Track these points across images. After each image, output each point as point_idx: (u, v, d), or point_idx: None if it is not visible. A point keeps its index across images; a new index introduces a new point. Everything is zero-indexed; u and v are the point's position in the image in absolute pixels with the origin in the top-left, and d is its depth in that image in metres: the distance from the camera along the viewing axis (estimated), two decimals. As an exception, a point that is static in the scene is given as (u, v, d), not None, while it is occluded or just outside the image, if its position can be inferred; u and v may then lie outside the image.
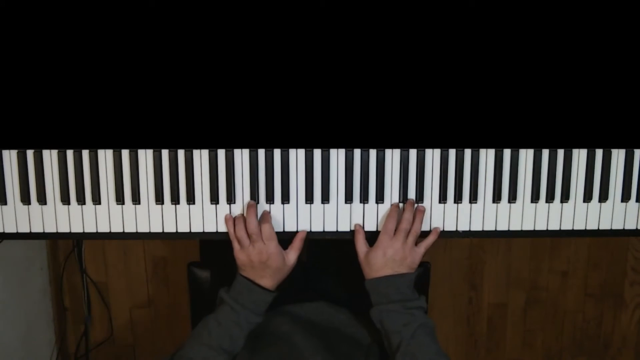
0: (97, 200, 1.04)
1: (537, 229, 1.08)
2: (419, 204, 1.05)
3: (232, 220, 1.04)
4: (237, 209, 1.05)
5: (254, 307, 0.99)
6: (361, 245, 1.04)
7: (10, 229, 1.05)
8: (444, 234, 1.08)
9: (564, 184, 1.07)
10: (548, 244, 1.97)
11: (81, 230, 1.06)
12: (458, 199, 1.06)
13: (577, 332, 2.04)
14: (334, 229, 1.06)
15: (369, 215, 1.06)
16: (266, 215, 1.04)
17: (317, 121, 1.02)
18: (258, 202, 1.05)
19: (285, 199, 1.05)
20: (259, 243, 1.00)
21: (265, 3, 0.98)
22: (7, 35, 0.98)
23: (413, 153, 1.05)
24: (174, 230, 1.06)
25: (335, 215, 1.06)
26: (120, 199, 1.04)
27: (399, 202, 1.06)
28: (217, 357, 0.95)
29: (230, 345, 0.97)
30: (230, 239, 1.04)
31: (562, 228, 1.08)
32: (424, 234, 1.07)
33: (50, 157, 1.03)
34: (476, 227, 1.07)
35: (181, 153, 1.04)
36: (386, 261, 1.00)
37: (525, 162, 1.06)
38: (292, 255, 1.04)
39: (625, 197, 1.08)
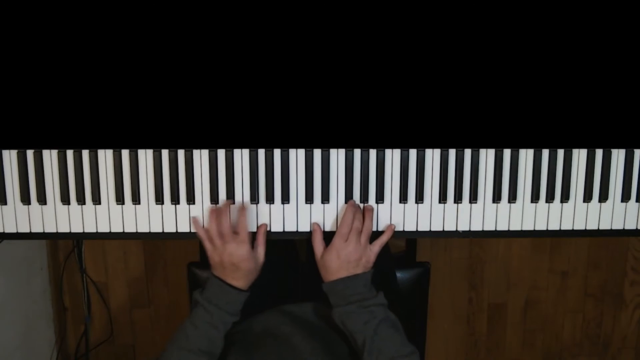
0: (97, 200, 1.04)
1: (537, 229, 1.08)
2: (367, 204, 1.05)
3: (198, 221, 1.04)
4: (237, 209, 1.05)
5: (228, 307, 0.99)
6: (318, 245, 1.03)
7: (10, 229, 1.05)
8: (444, 234, 1.08)
9: (564, 184, 1.07)
10: (548, 244, 1.97)
11: (81, 230, 1.06)
12: (458, 199, 1.06)
13: (577, 332, 2.04)
14: (334, 229, 1.06)
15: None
16: (242, 217, 1.03)
17: (317, 121, 1.02)
18: (258, 202, 1.05)
19: (285, 199, 1.05)
20: (231, 244, 1.00)
21: (265, 3, 0.98)
22: (7, 35, 0.98)
23: (413, 153, 1.04)
24: (174, 230, 1.06)
25: (335, 215, 1.06)
26: (120, 199, 1.04)
27: (399, 202, 1.06)
28: (197, 359, 0.95)
29: (209, 347, 0.97)
30: (202, 239, 1.03)
31: (562, 228, 1.08)
32: (424, 234, 1.07)
33: (50, 157, 1.03)
34: (476, 227, 1.07)
35: (181, 153, 1.04)
36: (341, 263, 0.99)
37: (525, 162, 1.06)
38: (260, 252, 1.03)
39: (625, 197, 1.08)
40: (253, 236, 1.04)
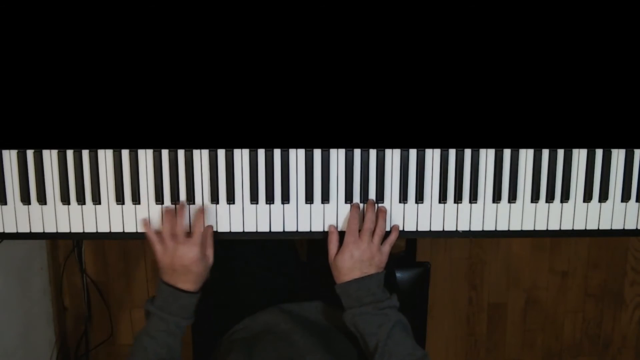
0: (97, 200, 1.04)
1: (537, 229, 1.08)
2: (380, 205, 1.05)
3: (148, 222, 1.03)
4: (237, 209, 1.05)
5: (181, 311, 0.99)
6: (333, 247, 1.03)
7: (10, 229, 1.05)
8: (444, 234, 1.08)
9: (564, 184, 1.07)
10: (548, 244, 1.97)
11: (81, 230, 1.06)
12: (458, 199, 1.06)
13: (577, 332, 2.04)
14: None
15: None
16: (199, 220, 1.02)
17: (317, 121, 1.02)
18: (258, 203, 1.05)
19: (285, 199, 1.05)
20: (183, 246, 0.99)
21: (265, 3, 0.98)
22: (7, 35, 0.98)
23: (413, 153, 1.04)
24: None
25: (335, 215, 1.06)
26: (120, 199, 1.04)
27: (399, 202, 1.06)
28: None
29: (168, 354, 0.98)
30: (151, 241, 1.01)
31: (562, 228, 1.08)
32: (423, 234, 1.07)
33: (50, 157, 1.03)
34: (476, 227, 1.07)
35: (181, 153, 1.04)
36: (354, 263, 0.99)
37: (525, 162, 1.06)
38: (210, 253, 1.03)
39: (625, 197, 1.08)
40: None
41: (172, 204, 1.05)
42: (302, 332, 1.02)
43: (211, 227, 1.04)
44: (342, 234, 1.03)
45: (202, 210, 1.03)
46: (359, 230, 1.02)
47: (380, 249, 1.01)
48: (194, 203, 1.05)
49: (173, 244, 0.99)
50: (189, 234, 1.02)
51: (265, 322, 1.07)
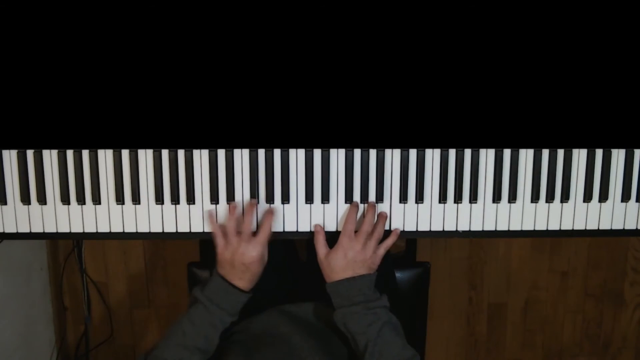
0: (97, 200, 1.04)
1: (537, 229, 1.08)
2: (381, 211, 1.05)
3: (213, 215, 1.04)
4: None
5: (229, 307, 0.99)
6: (321, 246, 1.02)
7: (10, 229, 1.05)
8: (444, 234, 1.08)
9: (564, 184, 1.07)
10: (548, 244, 1.97)
11: (81, 230, 1.06)
12: (458, 199, 1.06)
13: (577, 332, 2.04)
14: (334, 229, 1.06)
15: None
16: (268, 220, 1.02)
17: (317, 121, 1.02)
18: (258, 203, 1.05)
19: (285, 199, 1.05)
20: (247, 244, 0.99)
21: (265, 3, 0.98)
22: (7, 35, 0.98)
23: (413, 153, 1.05)
24: (174, 230, 1.06)
25: (335, 215, 1.06)
26: (120, 199, 1.04)
27: (399, 202, 1.06)
28: (192, 357, 0.95)
29: (205, 345, 0.97)
30: (215, 235, 1.02)
31: (562, 228, 1.08)
32: (423, 234, 1.07)
33: (50, 157, 1.03)
34: (476, 227, 1.07)
35: (181, 153, 1.04)
36: (347, 263, 0.99)
37: (525, 162, 1.06)
38: (266, 255, 1.02)
39: (625, 197, 1.08)
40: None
41: (172, 204, 1.05)
42: (301, 334, 1.02)
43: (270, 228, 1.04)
44: (334, 234, 1.04)
45: (271, 212, 1.03)
46: (355, 232, 1.02)
47: (375, 251, 1.01)
48: (194, 203, 1.05)
49: (237, 240, 1.00)
50: (254, 233, 1.02)
51: (264, 324, 1.07)
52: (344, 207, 1.06)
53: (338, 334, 1.05)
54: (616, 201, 1.08)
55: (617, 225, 1.09)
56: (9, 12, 0.97)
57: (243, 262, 0.99)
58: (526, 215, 1.07)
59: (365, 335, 0.94)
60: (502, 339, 2.03)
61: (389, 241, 1.04)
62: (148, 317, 1.95)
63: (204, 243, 1.36)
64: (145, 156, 1.04)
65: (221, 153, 1.04)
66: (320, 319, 1.10)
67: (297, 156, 1.04)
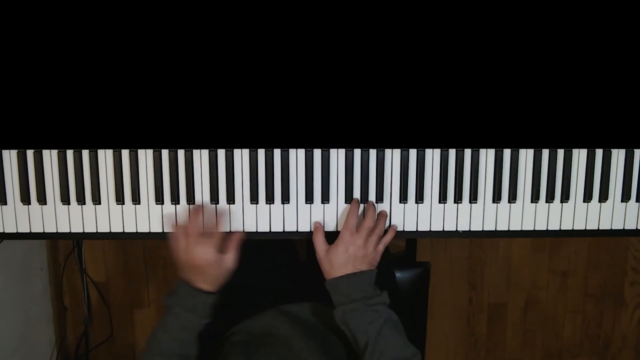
0: (97, 200, 1.04)
1: (537, 229, 1.08)
2: (381, 210, 1.05)
3: (171, 220, 1.04)
4: (237, 208, 1.05)
5: (197, 310, 0.99)
6: (320, 243, 1.02)
7: (10, 229, 1.05)
8: (444, 234, 1.08)
9: (564, 184, 1.07)
10: (548, 244, 1.97)
11: (81, 230, 1.06)
12: (458, 199, 1.06)
13: (577, 332, 2.04)
14: (334, 229, 1.06)
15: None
16: (220, 222, 1.02)
17: (317, 121, 1.02)
18: (258, 203, 1.05)
19: (285, 199, 1.05)
20: (196, 247, 0.97)
21: (265, 3, 0.98)
22: (7, 35, 0.98)
23: (413, 153, 1.05)
24: (174, 231, 1.06)
25: (335, 215, 1.06)
26: (120, 199, 1.04)
27: (399, 202, 1.06)
28: None
29: (183, 350, 0.97)
30: (171, 237, 1.01)
31: (562, 228, 1.08)
32: (423, 234, 1.07)
33: (50, 157, 1.03)
34: (476, 227, 1.07)
35: (181, 153, 1.04)
36: (348, 258, 0.98)
37: (525, 162, 1.06)
38: (230, 258, 1.01)
39: (625, 197, 1.08)
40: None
41: (172, 204, 1.05)
42: (302, 335, 1.02)
43: (241, 233, 1.04)
44: (337, 234, 1.04)
45: (221, 213, 1.03)
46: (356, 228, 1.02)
47: (375, 248, 1.01)
48: (194, 203, 1.05)
49: (187, 242, 0.99)
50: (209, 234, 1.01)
51: (264, 324, 1.07)
52: (344, 207, 1.06)
53: (338, 334, 1.05)
54: (616, 201, 1.08)
55: (617, 225, 1.09)
56: (9, 12, 0.97)
57: (195, 264, 0.97)
58: (526, 215, 1.07)
59: (366, 333, 0.94)
60: (502, 339, 2.03)
61: (388, 237, 1.04)
62: (148, 317, 1.95)
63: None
64: (145, 156, 1.04)
65: (221, 153, 1.04)
66: (320, 319, 1.10)
67: (297, 156, 1.04)
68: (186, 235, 0.99)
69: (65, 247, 1.86)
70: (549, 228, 1.08)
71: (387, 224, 1.06)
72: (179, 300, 0.99)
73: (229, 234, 1.03)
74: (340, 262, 0.99)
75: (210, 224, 1.03)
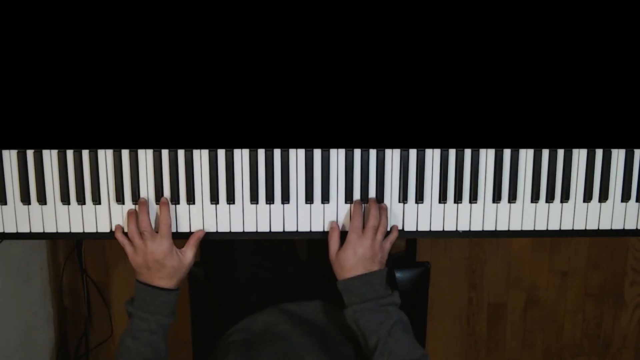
0: (97, 200, 1.04)
1: (537, 229, 1.08)
2: (380, 203, 1.05)
3: (120, 227, 1.04)
4: (237, 209, 1.05)
5: (161, 309, 0.99)
6: (334, 243, 1.02)
7: (10, 229, 1.05)
8: (444, 234, 1.08)
9: (564, 184, 1.07)
10: (548, 244, 1.97)
11: (81, 230, 1.06)
12: (458, 199, 1.06)
13: (577, 332, 2.04)
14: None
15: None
16: (163, 213, 1.02)
17: (317, 121, 1.02)
18: (258, 203, 1.05)
19: (285, 199, 1.05)
20: (151, 241, 0.99)
21: (265, 3, 0.98)
22: (7, 35, 0.98)
23: (413, 153, 1.05)
24: (174, 230, 1.06)
25: (335, 215, 1.06)
26: (120, 199, 1.04)
27: (399, 202, 1.06)
28: None
29: (153, 353, 0.98)
30: (123, 244, 1.02)
31: (562, 228, 1.08)
32: (423, 234, 1.07)
33: (50, 157, 1.03)
34: (476, 227, 1.07)
35: (181, 153, 1.04)
36: (358, 260, 0.99)
37: (525, 162, 1.06)
38: (189, 253, 1.03)
39: (625, 197, 1.08)
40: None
41: (172, 204, 1.05)
42: (301, 333, 1.02)
43: (202, 232, 1.05)
44: (342, 234, 1.03)
45: (165, 203, 1.03)
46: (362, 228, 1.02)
47: (382, 245, 1.01)
48: (194, 203, 1.05)
49: (141, 241, 0.99)
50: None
51: (264, 322, 1.07)
52: (344, 207, 1.06)
53: (338, 333, 1.05)
54: (616, 201, 1.08)
55: (617, 225, 1.09)
56: (9, 12, 0.97)
57: (155, 259, 0.98)
58: (526, 215, 1.07)
59: (376, 333, 0.94)
60: (502, 339, 2.03)
61: (393, 235, 1.04)
62: (148, 317, 1.94)
63: (204, 243, 1.36)
64: (145, 156, 1.04)
65: (221, 153, 1.04)
66: (320, 318, 1.10)
67: (297, 156, 1.04)
68: (139, 235, 1.00)
69: (65, 247, 1.86)
70: (549, 228, 1.08)
71: (388, 223, 1.06)
72: (143, 304, 0.99)
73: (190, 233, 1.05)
74: (351, 265, 0.99)
75: (147, 220, 1.02)
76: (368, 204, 1.04)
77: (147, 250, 0.99)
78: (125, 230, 1.04)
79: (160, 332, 0.99)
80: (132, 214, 1.02)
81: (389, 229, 1.06)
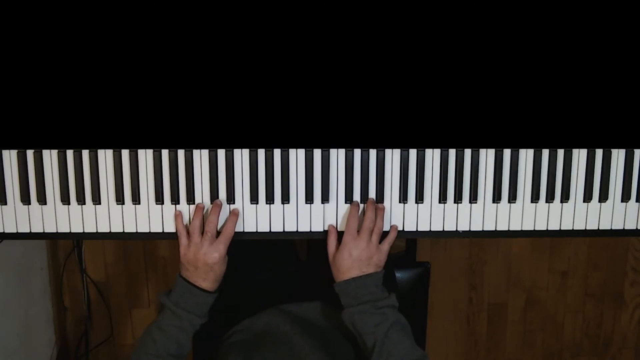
0: (97, 200, 1.04)
1: (537, 229, 1.08)
2: (379, 204, 1.05)
3: (181, 215, 1.03)
4: (237, 209, 1.05)
5: (196, 309, 0.99)
6: (332, 246, 1.02)
7: (10, 229, 1.05)
8: (444, 234, 1.08)
9: (564, 184, 1.07)
10: (548, 244, 1.97)
11: (81, 230, 1.06)
12: (458, 199, 1.06)
13: (577, 332, 2.04)
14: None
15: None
16: (232, 222, 1.02)
17: (317, 121, 1.02)
18: (258, 203, 1.05)
19: (285, 199, 1.05)
20: (210, 244, 0.99)
21: (265, 3, 0.98)
22: (7, 35, 0.98)
23: (413, 153, 1.05)
24: (174, 231, 1.06)
25: (335, 215, 1.06)
26: (120, 199, 1.04)
27: (399, 202, 1.06)
28: None
29: (178, 350, 0.98)
30: (179, 234, 1.02)
31: (562, 228, 1.08)
32: (423, 234, 1.07)
33: (50, 157, 1.03)
34: (476, 227, 1.07)
35: (181, 153, 1.04)
36: (353, 262, 0.99)
37: (525, 162, 1.06)
38: (226, 256, 1.02)
39: (625, 197, 1.08)
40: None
41: (172, 204, 1.05)
42: (302, 334, 1.02)
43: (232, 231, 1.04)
44: (341, 234, 1.03)
45: (235, 213, 1.03)
46: (358, 230, 1.02)
47: (379, 247, 1.01)
48: (194, 203, 1.05)
49: (200, 239, 0.99)
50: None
51: (264, 323, 1.07)
52: (344, 207, 1.06)
53: (339, 333, 1.05)
54: (616, 201, 1.08)
55: (617, 225, 1.09)
56: (9, 12, 0.97)
57: (206, 262, 0.98)
58: (526, 215, 1.07)
59: (373, 335, 0.94)
60: (502, 339, 2.03)
61: (391, 236, 1.04)
62: (148, 317, 1.95)
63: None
64: (145, 156, 1.04)
65: (221, 153, 1.04)
66: (321, 318, 1.10)
67: (297, 156, 1.04)
68: (200, 233, 1.00)
69: (65, 247, 1.86)
70: (549, 228, 1.08)
71: (388, 224, 1.06)
72: (179, 300, 0.98)
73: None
74: (347, 267, 0.99)
75: (215, 223, 1.02)
76: (365, 205, 1.04)
77: (201, 250, 0.98)
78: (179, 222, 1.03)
79: (190, 331, 0.99)
80: (200, 210, 1.02)
81: (387, 229, 1.06)
